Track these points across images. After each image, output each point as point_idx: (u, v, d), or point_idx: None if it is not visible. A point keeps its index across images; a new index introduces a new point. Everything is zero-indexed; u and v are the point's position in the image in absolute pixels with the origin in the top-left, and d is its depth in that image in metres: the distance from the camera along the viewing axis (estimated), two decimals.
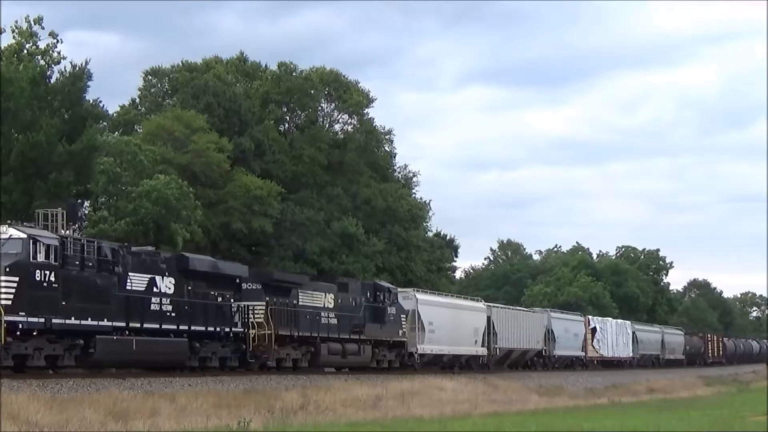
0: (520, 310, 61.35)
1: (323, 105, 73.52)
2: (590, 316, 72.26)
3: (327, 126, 73.30)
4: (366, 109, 73.48)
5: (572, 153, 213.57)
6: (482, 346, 52.71)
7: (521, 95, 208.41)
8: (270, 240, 62.11)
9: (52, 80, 42.80)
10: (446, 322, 48.85)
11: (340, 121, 74.01)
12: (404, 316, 44.56)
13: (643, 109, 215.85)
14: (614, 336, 73.09)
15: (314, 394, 31.74)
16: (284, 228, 63.29)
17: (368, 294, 42.34)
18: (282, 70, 71.66)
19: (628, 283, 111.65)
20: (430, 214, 78.86)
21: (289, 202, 64.32)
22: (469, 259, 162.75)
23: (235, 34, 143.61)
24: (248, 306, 34.94)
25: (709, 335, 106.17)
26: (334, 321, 39.25)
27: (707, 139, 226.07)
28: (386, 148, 77.03)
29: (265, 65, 73.62)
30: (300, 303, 37.46)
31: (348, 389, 34.35)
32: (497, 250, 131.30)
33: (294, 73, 71.51)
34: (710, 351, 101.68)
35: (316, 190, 67.94)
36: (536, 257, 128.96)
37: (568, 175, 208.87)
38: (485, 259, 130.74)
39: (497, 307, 56.36)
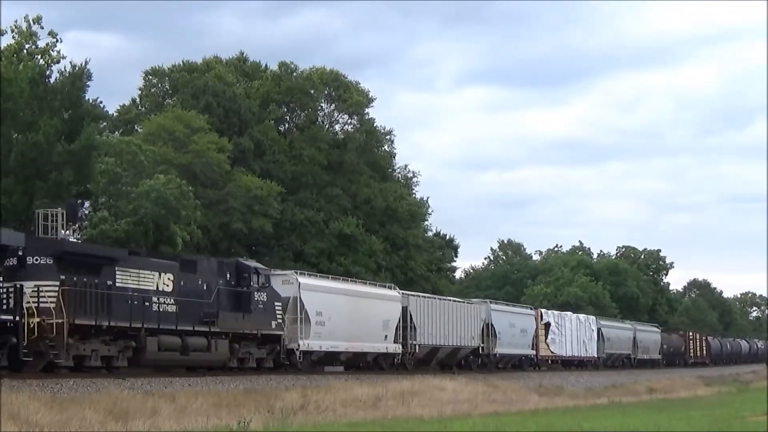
0: (449, 300, 52.30)
1: (323, 105, 73.55)
2: (543, 310, 63.72)
3: (327, 126, 73.30)
4: (366, 109, 73.52)
5: (571, 153, 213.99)
6: (396, 342, 44.77)
7: (520, 96, 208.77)
8: (270, 240, 62.10)
9: (52, 80, 42.80)
10: (342, 312, 40.51)
11: (340, 121, 74.07)
12: (280, 304, 36.34)
13: (642, 109, 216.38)
14: (574, 333, 64.97)
15: (314, 394, 31.76)
16: (284, 228, 63.30)
17: (227, 275, 34.40)
18: (282, 70, 71.68)
19: (627, 283, 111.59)
20: (429, 211, 78.85)
21: (289, 203, 64.33)
22: (469, 259, 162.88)
23: (234, 35, 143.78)
24: (24, 287, 26.84)
25: (690, 333, 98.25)
26: (171, 308, 31.50)
27: (706, 140, 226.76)
28: (386, 148, 77.04)
29: (265, 65, 73.75)
30: (117, 284, 29.76)
31: (348, 389, 34.35)
32: (497, 250, 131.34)
33: (294, 73, 71.51)
34: (692, 350, 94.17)
35: (315, 190, 67.94)
36: (536, 257, 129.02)
37: (567, 175, 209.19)
38: (485, 259, 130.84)
39: (417, 296, 48.33)
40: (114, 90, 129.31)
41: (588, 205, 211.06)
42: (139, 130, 62.20)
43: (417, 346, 46.00)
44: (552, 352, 61.79)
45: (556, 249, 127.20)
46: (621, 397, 47.25)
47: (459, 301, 53.35)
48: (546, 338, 60.75)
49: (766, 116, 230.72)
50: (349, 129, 73.65)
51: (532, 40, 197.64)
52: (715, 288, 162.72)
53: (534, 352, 59.49)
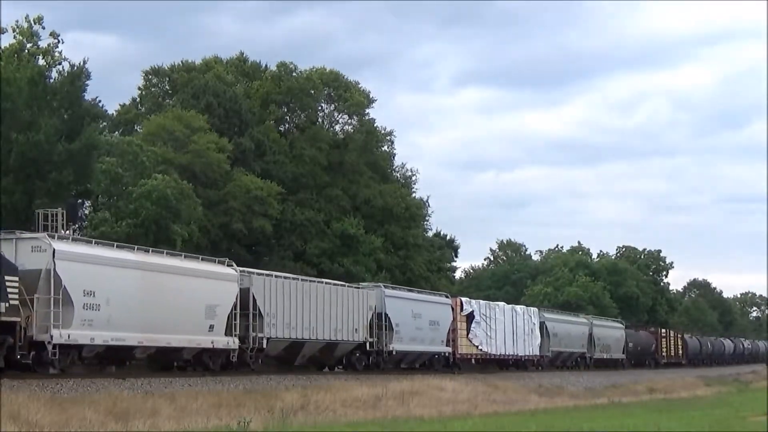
0: (317, 282, 41.11)
1: (323, 105, 73.53)
2: (465, 299, 53.33)
3: (327, 126, 73.28)
4: (367, 110, 73.49)
5: (569, 154, 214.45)
6: (228, 335, 34.33)
7: (518, 96, 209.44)
8: (270, 240, 62.10)
9: (52, 80, 42.78)
10: (131, 293, 30.27)
11: (340, 121, 74.05)
12: (16, 279, 26.47)
13: (639, 110, 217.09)
14: (508, 327, 55.27)
15: (314, 394, 31.77)
16: (284, 228, 63.29)
17: None
18: (282, 71, 71.65)
19: (627, 283, 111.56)
20: (429, 211, 78.84)
21: (289, 203, 64.32)
22: (468, 260, 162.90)
23: (231, 37, 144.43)
24: None
25: (663, 330, 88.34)
26: None
27: (703, 141, 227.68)
28: (386, 149, 77.01)
29: (265, 65, 73.72)
30: None
31: (348, 389, 34.34)
32: (497, 250, 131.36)
33: (294, 74, 71.50)
34: (664, 349, 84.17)
35: (316, 191, 67.93)
36: (536, 257, 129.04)
37: (565, 176, 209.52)
38: (485, 259, 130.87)
39: (265, 275, 37.50)
40: (112, 92, 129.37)
41: (586, 205, 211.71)
42: (139, 130, 62.20)
43: (264, 340, 36.00)
44: (478, 349, 51.91)
45: (556, 249, 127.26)
46: (621, 397, 47.27)
47: (334, 284, 42.15)
48: (468, 333, 50.85)
49: (766, 116, 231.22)
50: (350, 129, 73.64)
51: (530, 41, 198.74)
52: (715, 288, 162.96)
53: (449, 349, 49.10)
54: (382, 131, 75.86)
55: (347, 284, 43.49)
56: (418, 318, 46.27)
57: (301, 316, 38.00)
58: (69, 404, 24.11)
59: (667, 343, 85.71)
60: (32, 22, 43.51)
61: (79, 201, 47.51)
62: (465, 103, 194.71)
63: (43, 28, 43.67)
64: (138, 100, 69.14)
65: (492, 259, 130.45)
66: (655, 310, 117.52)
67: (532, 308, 61.29)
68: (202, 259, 35.25)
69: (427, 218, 78.36)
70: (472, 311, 51.32)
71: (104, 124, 58.14)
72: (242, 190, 58.59)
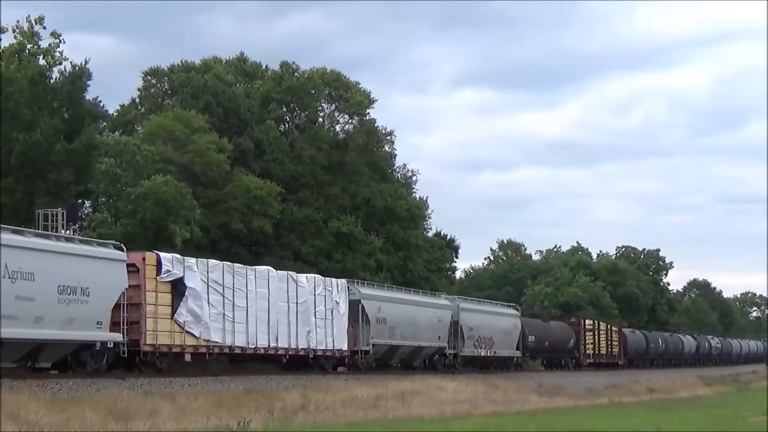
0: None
1: (324, 105, 73.50)
2: (165, 254, 32.56)
3: (328, 126, 73.25)
4: (367, 110, 73.46)
5: (566, 154, 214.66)
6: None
7: (514, 97, 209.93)
8: (270, 240, 62.08)
9: (52, 80, 42.79)
10: None
11: (341, 121, 74.02)
12: None
13: (635, 111, 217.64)
14: (274, 305, 36.52)
15: (314, 394, 31.77)
16: (284, 228, 63.27)
17: None
18: (283, 70, 71.63)
19: (627, 284, 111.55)
20: (429, 212, 78.81)
21: (289, 203, 64.30)
22: (468, 260, 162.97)
23: (228, 38, 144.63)
24: None
25: (589, 321, 70.37)
26: None
27: (699, 141, 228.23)
28: (387, 149, 76.98)
29: (266, 65, 73.68)
30: None
31: (348, 389, 34.36)
32: (497, 250, 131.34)
33: (296, 73, 71.48)
34: (590, 346, 67.82)
35: (315, 190, 67.90)
36: (536, 257, 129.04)
37: (562, 177, 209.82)
38: (485, 259, 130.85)
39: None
40: (111, 93, 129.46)
41: (584, 205, 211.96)
42: (139, 130, 62.19)
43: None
44: (195, 336, 32.86)
45: (556, 249, 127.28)
46: (621, 397, 47.28)
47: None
48: (174, 311, 31.92)
49: (765, 117, 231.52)
50: (350, 129, 73.60)
51: (525, 43, 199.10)
52: (715, 288, 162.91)
53: (122, 337, 29.81)
54: (383, 131, 75.88)
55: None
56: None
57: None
58: (69, 404, 24.09)
59: (595, 339, 68.93)
60: (33, 23, 43.53)
61: (79, 201, 47.53)
62: (462, 104, 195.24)
63: (44, 28, 43.71)
64: (137, 101, 69.12)
65: (492, 259, 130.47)
66: (655, 310, 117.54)
67: (341, 280, 41.94)
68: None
69: (427, 218, 78.43)
70: (181, 278, 32.26)
71: (104, 124, 58.15)
72: (242, 190, 58.57)
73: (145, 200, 46.39)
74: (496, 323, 55.39)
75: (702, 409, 33.81)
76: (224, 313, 33.95)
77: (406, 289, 50.17)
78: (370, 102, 73.26)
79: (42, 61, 43.16)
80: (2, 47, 43.20)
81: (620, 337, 74.17)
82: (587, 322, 70.10)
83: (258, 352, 36.02)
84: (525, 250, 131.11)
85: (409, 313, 46.39)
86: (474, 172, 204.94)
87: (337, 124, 73.89)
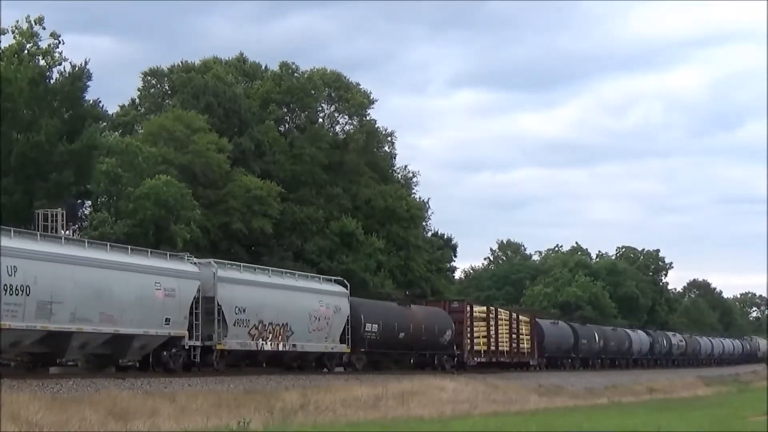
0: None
1: (324, 106, 73.46)
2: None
3: (328, 127, 73.23)
4: (368, 110, 73.43)
5: (564, 155, 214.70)
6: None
7: (512, 98, 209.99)
8: (270, 240, 62.06)
9: (52, 81, 42.78)
10: None
11: (341, 121, 73.99)
12: None
13: (633, 111, 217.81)
14: None
15: (314, 394, 31.77)
16: (284, 227, 63.25)
17: None
18: (283, 71, 71.62)
19: (627, 284, 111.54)
20: (429, 213, 78.79)
21: (290, 203, 64.28)
22: (468, 260, 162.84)
23: (228, 39, 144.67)
24: None
25: (480, 307, 53.95)
26: None
27: (697, 141, 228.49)
28: (387, 149, 76.95)
29: (266, 66, 73.67)
30: None
31: (348, 389, 34.37)
32: (497, 250, 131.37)
33: (296, 74, 71.46)
34: (479, 340, 51.11)
35: (315, 190, 67.88)
36: (536, 257, 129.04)
37: (560, 177, 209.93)
38: (485, 259, 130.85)
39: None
40: (110, 93, 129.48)
41: (583, 206, 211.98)
42: (139, 130, 62.17)
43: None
44: None
45: (555, 249, 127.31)
46: (621, 397, 47.30)
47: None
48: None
49: (764, 117, 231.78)
50: (350, 130, 73.59)
51: (523, 44, 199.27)
52: (715, 288, 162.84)
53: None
54: (383, 132, 75.85)
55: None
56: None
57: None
58: (69, 404, 24.10)
59: (490, 330, 52.15)
60: (32, 23, 43.53)
61: (79, 201, 47.53)
62: (460, 105, 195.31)
63: (44, 28, 43.71)
64: (137, 101, 69.10)
65: (492, 259, 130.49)
66: (654, 310, 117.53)
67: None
68: None
69: (428, 219, 78.42)
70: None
71: (104, 125, 58.14)
72: (242, 190, 58.56)
73: (146, 200, 46.38)
74: (297, 303, 38.96)
75: (702, 409, 33.82)
76: None
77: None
78: (370, 102, 73.26)
79: (42, 62, 43.17)
80: (2, 47, 43.23)
81: (533, 330, 57.42)
82: (477, 308, 52.86)
83: None
84: (525, 250, 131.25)
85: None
86: (472, 172, 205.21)
87: (337, 124, 73.90)
